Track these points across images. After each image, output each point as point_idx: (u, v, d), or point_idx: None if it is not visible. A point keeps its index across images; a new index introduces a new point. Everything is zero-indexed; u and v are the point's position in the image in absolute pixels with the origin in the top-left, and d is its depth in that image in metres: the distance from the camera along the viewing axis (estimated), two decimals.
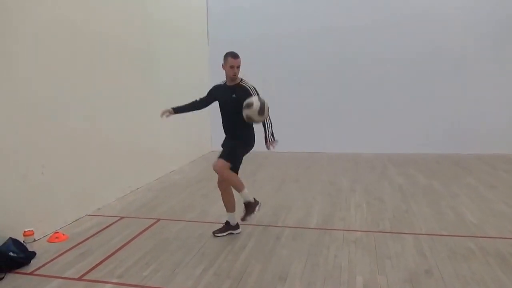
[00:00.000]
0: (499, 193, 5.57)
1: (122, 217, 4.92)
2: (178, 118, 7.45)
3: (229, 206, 4.22)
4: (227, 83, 4.05)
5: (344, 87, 8.83)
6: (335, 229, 4.36)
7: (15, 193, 4.02)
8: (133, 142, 6.17)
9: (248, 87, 3.95)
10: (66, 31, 4.70)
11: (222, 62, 3.99)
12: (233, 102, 3.91)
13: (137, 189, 6.22)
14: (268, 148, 3.97)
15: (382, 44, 8.56)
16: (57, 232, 4.29)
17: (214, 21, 9.31)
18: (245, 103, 3.72)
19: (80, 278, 3.37)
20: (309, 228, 4.42)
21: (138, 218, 4.89)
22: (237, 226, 4.25)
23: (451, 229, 4.28)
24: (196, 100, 4.31)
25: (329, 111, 8.94)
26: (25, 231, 4.06)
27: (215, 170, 3.97)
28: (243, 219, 4.05)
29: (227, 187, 4.16)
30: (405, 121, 8.63)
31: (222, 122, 4.16)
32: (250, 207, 4.00)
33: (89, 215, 5.02)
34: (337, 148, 8.80)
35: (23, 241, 3.95)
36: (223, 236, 4.17)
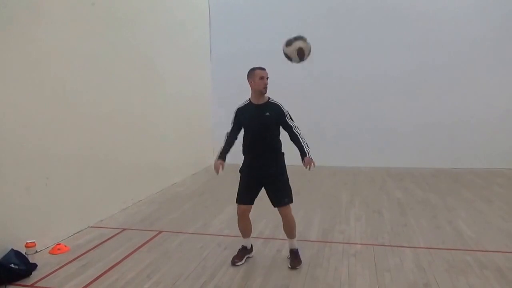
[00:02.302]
0: (495, 207, 5.62)
1: (124, 229, 4.95)
2: (180, 130, 7.67)
3: (247, 232, 3.98)
4: (255, 102, 3.74)
5: (344, 102, 8.93)
6: (335, 242, 4.40)
7: (18, 205, 4.06)
8: (136, 154, 6.23)
9: (278, 104, 3.75)
10: (73, 41, 4.80)
11: (248, 78, 3.75)
12: (266, 121, 3.65)
13: (140, 201, 6.26)
14: (307, 166, 3.64)
15: (380, 60, 8.69)
16: (59, 244, 4.32)
17: (216, 34, 9.46)
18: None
19: None
20: (310, 240, 4.46)
21: (140, 230, 4.93)
22: (252, 249, 4.05)
23: (448, 243, 4.33)
24: (228, 136, 3.85)
25: (329, 126, 9.03)
26: (27, 243, 4.08)
27: (285, 217, 3.78)
28: (293, 267, 3.71)
29: (248, 216, 3.88)
30: (403, 136, 8.72)
31: (249, 145, 3.76)
32: (297, 255, 3.83)
33: (91, 227, 5.05)
34: (337, 162, 8.86)
35: (25, 253, 3.98)
36: (242, 264, 3.87)
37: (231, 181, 7.63)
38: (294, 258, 3.80)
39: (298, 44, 3.53)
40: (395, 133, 8.75)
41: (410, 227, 4.83)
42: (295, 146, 3.75)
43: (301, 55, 3.56)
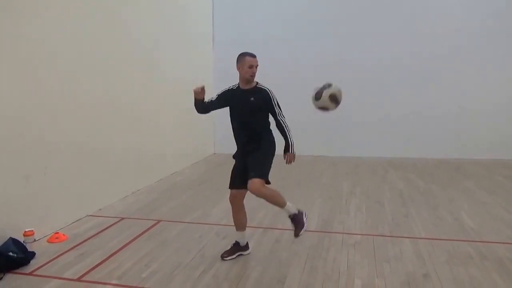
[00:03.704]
0: (497, 198, 5.57)
1: (122, 218, 4.94)
2: (180, 119, 7.62)
3: (241, 225, 3.80)
4: (242, 87, 3.69)
5: (347, 91, 8.81)
6: (334, 232, 4.37)
7: (17, 194, 4.04)
8: (135, 143, 6.20)
9: (266, 89, 3.68)
10: (70, 30, 4.74)
11: (237, 63, 3.65)
12: (251, 106, 3.60)
13: (138, 190, 6.24)
14: (288, 161, 3.64)
15: (385, 48, 8.60)
16: (57, 233, 4.31)
17: (219, 22, 9.37)
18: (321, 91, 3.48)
19: (79, 279, 3.38)
20: (309, 231, 4.37)
21: (139, 219, 4.91)
22: (246, 247, 3.85)
23: (449, 233, 4.29)
24: (205, 101, 3.85)
25: (331, 115, 8.94)
26: (25, 231, 4.08)
27: (254, 193, 3.47)
28: (297, 235, 3.52)
29: (241, 204, 3.76)
30: (405, 126, 8.65)
31: (236, 130, 3.74)
32: (297, 220, 3.52)
33: (90, 215, 5.04)
34: (339, 152, 8.82)
35: (23, 241, 3.97)
36: (232, 259, 3.74)
37: (230, 171, 7.64)
38: (295, 225, 3.53)
39: (327, 92, 3.48)
40: (398, 124, 8.68)
41: (411, 218, 4.80)
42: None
43: (336, 100, 3.53)
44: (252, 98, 3.61)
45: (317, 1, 8.92)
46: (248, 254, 3.84)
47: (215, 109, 3.85)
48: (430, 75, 8.44)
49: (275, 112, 3.66)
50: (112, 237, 4.33)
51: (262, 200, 4.94)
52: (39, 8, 4.33)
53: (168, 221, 4.84)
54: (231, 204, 3.76)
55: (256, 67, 3.61)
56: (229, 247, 3.84)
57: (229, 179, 3.77)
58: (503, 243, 3.98)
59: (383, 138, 8.76)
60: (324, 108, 3.55)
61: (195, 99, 3.81)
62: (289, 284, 3.24)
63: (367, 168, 7.75)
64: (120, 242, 4.16)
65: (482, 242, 4.02)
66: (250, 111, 3.62)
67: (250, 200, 5.54)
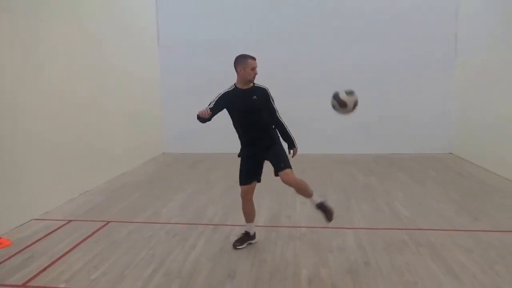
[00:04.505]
0: (428, 189, 6.05)
1: (70, 221, 4.83)
2: (129, 119, 7.51)
3: (251, 217, 4.07)
4: (241, 87, 3.78)
5: (294, 91, 9.09)
6: (281, 226, 4.56)
7: None
8: (83, 143, 6.05)
9: (264, 87, 3.85)
10: (18, 26, 4.55)
11: (237, 65, 3.72)
12: (255, 105, 3.74)
13: (87, 191, 6.09)
14: (293, 156, 3.99)
15: (325, 52, 8.95)
16: (1, 238, 4.14)
17: (164, 21, 9.28)
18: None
19: (24, 285, 3.30)
20: (258, 226, 4.56)
21: (87, 221, 4.82)
22: (254, 236, 4.10)
23: (387, 223, 4.63)
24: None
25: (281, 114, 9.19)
26: None
27: (290, 184, 3.76)
28: (329, 220, 3.86)
29: (251, 198, 4.01)
30: (348, 124, 9.06)
31: (243, 131, 3.85)
32: (325, 207, 3.86)
33: (36, 219, 4.86)
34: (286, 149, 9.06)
35: None
36: (243, 247, 3.96)
37: (181, 170, 7.67)
38: (325, 212, 3.85)
39: (355, 98, 3.64)
40: (341, 122, 9.05)
41: (352, 210, 5.10)
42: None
43: (356, 106, 3.66)
44: (255, 97, 3.76)
45: (267, 2, 9.12)
46: (256, 242, 4.09)
47: (213, 116, 3.75)
48: (365, 75, 8.84)
49: (274, 110, 3.88)
50: (60, 240, 4.23)
51: (212, 199, 5.05)
52: None
53: (118, 222, 4.79)
54: (242, 199, 4.01)
55: (256, 69, 3.76)
56: (238, 237, 4.08)
57: (239, 176, 3.96)
58: (434, 229, 4.36)
59: (327, 136, 9.13)
60: (342, 103, 3.62)
61: (201, 119, 3.67)
62: (239, 278, 3.37)
63: (312, 164, 8.05)
64: (68, 245, 4.09)
65: (416, 229, 4.38)
66: (255, 110, 3.76)
67: (199, 198, 5.64)
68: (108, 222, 4.77)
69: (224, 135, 10.26)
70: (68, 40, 5.72)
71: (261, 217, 4.87)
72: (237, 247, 3.95)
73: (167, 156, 9.13)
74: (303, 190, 3.84)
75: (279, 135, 3.98)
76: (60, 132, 5.48)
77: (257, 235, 4.22)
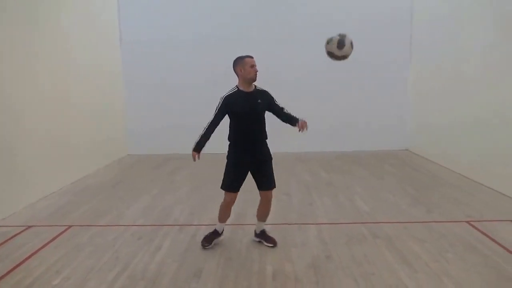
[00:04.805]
0: (385, 184, 6.33)
1: (30, 226, 4.68)
2: (91, 120, 7.35)
3: (226, 218, 4.08)
4: (245, 90, 3.74)
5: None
6: (247, 224, 4.63)
7: None
8: (44, 145, 5.87)
9: (265, 90, 3.88)
10: None
11: (235, 67, 3.73)
12: (260, 109, 3.74)
13: (48, 195, 5.91)
14: (302, 129, 3.88)
15: (288, 54, 9.11)
16: None
17: (126, 19, 9.11)
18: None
19: None
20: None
21: (48, 226, 4.70)
22: (222, 233, 4.12)
23: (347, 217, 4.82)
24: (209, 126, 3.79)
25: None
26: None
27: (268, 203, 3.99)
28: (275, 244, 4.01)
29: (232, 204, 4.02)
30: (311, 122, 9.25)
31: (242, 135, 3.79)
32: (267, 236, 4.09)
33: None
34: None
35: None
36: (210, 247, 3.98)
37: (146, 171, 7.59)
38: (270, 238, 4.04)
39: (348, 40, 3.66)
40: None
41: (315, 206, 5.26)
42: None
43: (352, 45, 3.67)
44: (259, 100, 3.75)
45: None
46: (222, 239, 4.11)
47: (218, 124, 3.82)
48: (328, 75, 9.07)
49: (281, 108, 3.92)
50: (19, 246, 4.11)
51: (177, 198, 5.06)
52: None
53: (80, 225, 4.70)
54: (226, 204, 3.93)
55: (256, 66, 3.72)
56: (204, 236, 4.07)
57: (223, 180, 3.87)
58: (390, 222, 4.58)
59: (291, 135, 9.25)
60: (343, 57, 3.69)
61: (199, 151, 3.87)
62: (205, 277, 3.41)
63: (276, 162, 8.15)
64: (28, 251, 3.97)
65: (374, 223, 4.58)
66: (258, 114, 3.76)
67: (164, 199, 5.63)
68: (70, 226, 4.68)
69: (189, 135, 10.34)
70: (30, 35, 5.58)
71: None
72: (206, 247, 3.96)
73: (132, 158, 8.99)
74: (269, 211, 4.04)
75: (291, 119, 3.95)
76: (16, 133, 5.28)
77: (223, 234, 4.28)
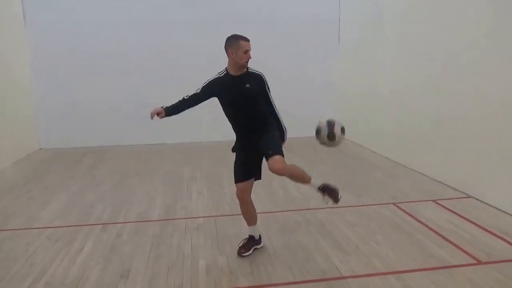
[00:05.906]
0: (319, 171, 6.40)
1: None
2: None
3: (251, 218, 3.61)
4: (232, 73, 3.33)
5: (162, 79, 8.75)
6: (177, 218, 4.43)
7: None
8: None
9: (259, 73, 3.40)
10: None
11: (228, 47, 3.27)
12: (247, 94, 3.30)
13: None
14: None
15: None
16: None
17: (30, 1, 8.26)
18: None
19: None
20: (152, 220, 4.39)
21: None
22: (260, 240, 3.66)
23: (281, 205, 4.79)
24: (185, 98, 3.41)
25: (163, 102, 8.87)
26: None
27: (279, 173, 3.29)
28: (336, 200, 3.57)
29: (249, 199, 3.56)
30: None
31: (235, 122, 3.44)
32: (329, 188, 3.54)
33: None
34: (178, 139, 8.82)
35: None
36: (250, 254, 3.52)
37: (62, 166, 7.00)
38: (330, 193, 3.58)
39: (338, 129, 3.49)
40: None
41: None
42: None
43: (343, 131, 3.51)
44: (248, 85, 3.30)
45: None
46: (262, 247, 3.65)
47: (200, 103, 3.42)
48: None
49: (269, 98, 3.45)
50: None
51: (99, 194, 4.67)
52: None
53: None
54: (239, 200, 3.53)
55: (250, 51, 3.28)
56: (243, 242, 3.61)
57: (234, 174, 3.52)
58: (323, 208, 4.60)
59: (219, 123, 9.10)
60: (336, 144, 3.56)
61: (168, 114, 3.42)
62: (134, 277, 3.17)
63: (206, 152, 7.99)
64: None
65: (307, 209, 4.60)
66: (247, 100, 3.32)
67: (84, 197, 5.20)
68: None
69: (108, 125, 9.69)
70: None
71: (155, 211, 4.68)
72: (243, 254, 3.50)
73: (45, 152, 8.21)
74: (299, 177, 3.51)
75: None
76: None
77: (150, 230, 4.04)
